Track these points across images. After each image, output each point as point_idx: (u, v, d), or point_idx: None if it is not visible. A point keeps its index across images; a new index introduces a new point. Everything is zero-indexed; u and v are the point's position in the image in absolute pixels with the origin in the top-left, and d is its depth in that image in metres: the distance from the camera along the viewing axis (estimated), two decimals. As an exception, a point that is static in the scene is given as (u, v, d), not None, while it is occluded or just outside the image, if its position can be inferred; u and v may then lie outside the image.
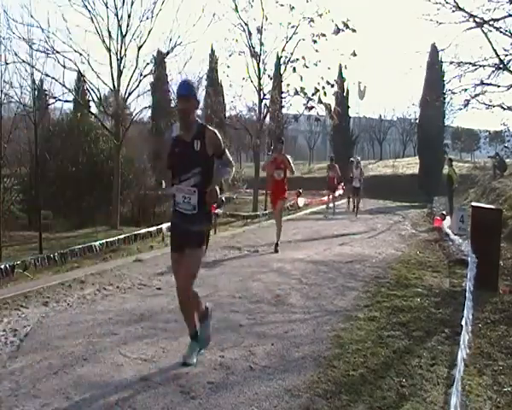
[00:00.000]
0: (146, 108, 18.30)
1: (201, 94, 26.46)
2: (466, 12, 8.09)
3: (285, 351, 3.87)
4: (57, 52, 11.47)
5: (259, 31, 16.03)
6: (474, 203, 8.10)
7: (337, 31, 15.80)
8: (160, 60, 16.00)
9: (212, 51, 27.07)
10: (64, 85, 12.24)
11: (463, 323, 4.01)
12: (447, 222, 11.49)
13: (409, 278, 6.54)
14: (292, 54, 16.26)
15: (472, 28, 8.24)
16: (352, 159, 17.87)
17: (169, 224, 10.93)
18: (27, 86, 11.13)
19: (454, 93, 9.02)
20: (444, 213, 12.65)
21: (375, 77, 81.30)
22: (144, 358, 3.66)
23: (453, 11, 8.20)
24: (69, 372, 3.39)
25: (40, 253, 8.67)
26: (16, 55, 10.59)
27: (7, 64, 10.19)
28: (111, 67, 12.47)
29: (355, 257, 8.11)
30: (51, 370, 3.42)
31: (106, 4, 12.11)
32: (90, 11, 11.91)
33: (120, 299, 5.33)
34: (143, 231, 9.49)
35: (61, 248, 8.94)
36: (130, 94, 12.94)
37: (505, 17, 7.92)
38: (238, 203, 20.31)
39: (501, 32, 8.02)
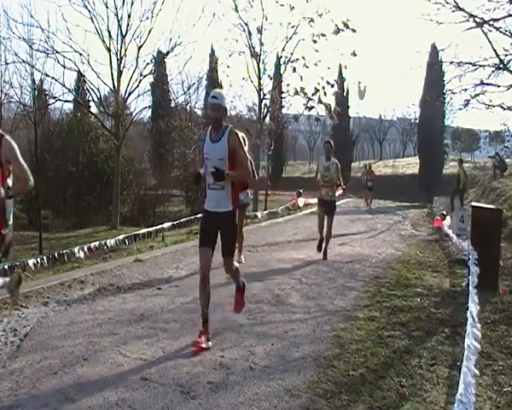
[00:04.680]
0: (146, 108, 18.35)
1: (201, 94, 26.51)
2: (466, 12, 8.10)
3: (285, 351, 3.87)
4: (57, 52, 11.49)
5: (259, 31, 16.03)
6: (474, 203, 8.09)
7: (337, 31, 15.79)
8: (160, 60, 16.02)
9: (212, 51, 27.12)
10: (64, 85, 12.28)
11: (468, 315, 3.98)
12: (447, 222, 11.49)
13: (409, 278, 6.54)
14: (292, 54, 16.26)
15: (472, 28, 8.25)
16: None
17: (169, 223, 10.88)
18: (27, 86, 11.16)
19: (454, 93, 9.02)
20: (444, 213, 12.64)
21: (375, 77, 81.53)
22: (144, 358, 3.66)
23: (453, 11, 8.20)
24: (69, 372, 3.39)
25: (40, 253, 8.68)
26: (16, 55, 10.62)
27: (7, 64, 10.20)
28: (111, 67, 12.49)
29: (355, 257, 8.11)
30: (51, 370, 3.42)
31: (106, 4, 12.14)
32: (90, 11, 11.95)
33: (120, 299, 5.32)
34: (143, 231, 9.48)
35: (60, 248, 8.95)
36: (130, 94, 12.97)
37: (505, 17, 7.93)
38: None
39: (501, 32, 8.03)
